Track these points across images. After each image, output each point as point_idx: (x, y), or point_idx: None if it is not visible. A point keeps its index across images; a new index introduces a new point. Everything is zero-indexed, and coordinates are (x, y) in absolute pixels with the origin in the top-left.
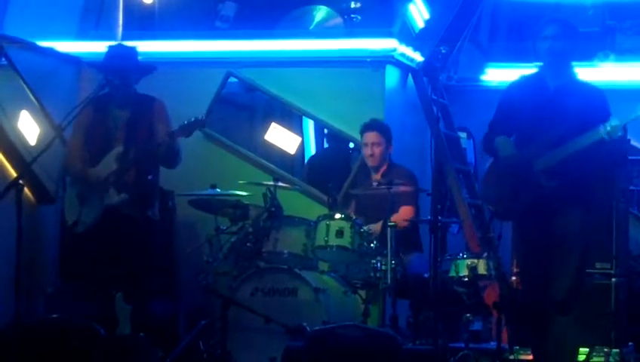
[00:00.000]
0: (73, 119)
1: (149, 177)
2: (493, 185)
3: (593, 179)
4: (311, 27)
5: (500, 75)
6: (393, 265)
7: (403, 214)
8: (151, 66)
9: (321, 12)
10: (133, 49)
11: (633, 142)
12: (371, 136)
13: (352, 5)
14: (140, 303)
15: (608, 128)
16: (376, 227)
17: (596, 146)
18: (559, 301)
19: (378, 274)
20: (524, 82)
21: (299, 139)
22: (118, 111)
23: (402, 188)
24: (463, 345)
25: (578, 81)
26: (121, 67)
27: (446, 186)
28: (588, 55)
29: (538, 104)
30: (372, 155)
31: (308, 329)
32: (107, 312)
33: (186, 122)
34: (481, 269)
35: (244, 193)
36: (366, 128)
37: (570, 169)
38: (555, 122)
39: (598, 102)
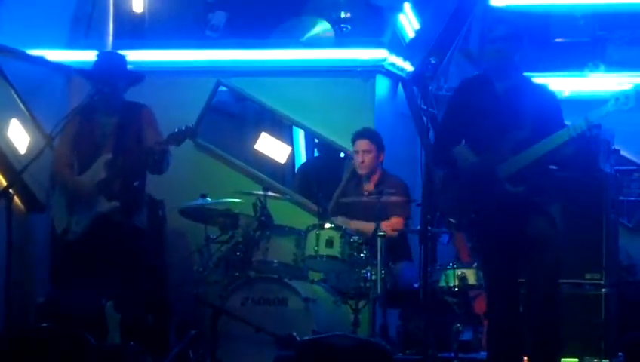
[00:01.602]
0: (63, 128)
1: (135, 184)
2: (455, 195)
3: (560, 182)
4: (303, 39)
5: None
6: (383, 275)
7: (393, 225)
8: (139, 75)
9: (319, 27)
10: (121, 57)
11: (623, 153)
12: (362, 144)
13: (342, 15)
14: (130, 312)
15: (582, 125)
16: (367, 226)
17: (561, 149)
18: (536, 312)
19: (368, 284)
20: (468, 86)
21: (289, 149)
22: (105, 119)
23: (393, 199)
24: (452, 354)
25: (526, 81)
26: (110, 75)
27: (436, 196)
28: (578, 65)
29: (487, 108)
30: (362, 162)
31: (298, 338)
32: (97, 321)
33: (176, 130)
34: (471, 279)
35: (234, 202)
36: (357, 136)
37: (537, 173)
38: (509, 125)
39: (549, 102)
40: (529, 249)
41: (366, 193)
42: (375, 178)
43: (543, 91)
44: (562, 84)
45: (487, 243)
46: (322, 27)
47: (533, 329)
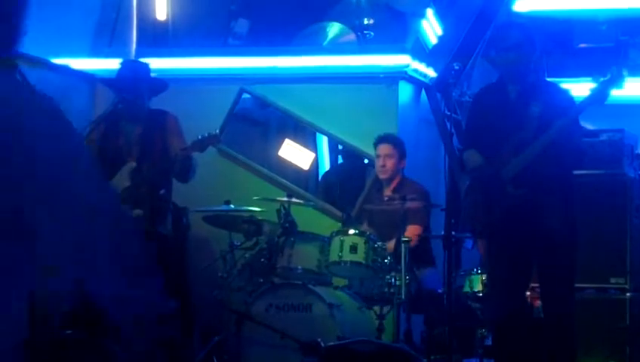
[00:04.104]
0: (87, 136)
1: (162, 192)
2: (469, 202)
3: (557, 181)
4: (324, 43)
5: None
6: (407, 281)
7: (410, 233)
8: (163, 83)
9: (334, 28)
10: (145, 65)
11: None
12: (384, 148)
13: (365, 21)
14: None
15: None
16: (389, 245)
17: (553, 147)
18: (551, 319)
19: (392, 290)
20: (486, 93)
21: (312, 155)
22: (130, 127)
23: (413, 205)
24: (477, 360)
25: (541, 84)
26: (134, 83)
27: (460, 201)
28: (601, 70)
29: (501, 113)
30: (384, 166)
31: (322, 344)
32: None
33: (200, 137)
34: None
35: (258, 209)
36: (379, 140)
37: (540, 175)
38: (515, 128)
39: (562, 103)
40: (540, 253)
41: (385, 198)
42: (394, 183)
43: (557, 93)
44: (585, 89)
45: (494, 248)
46: (340, 29)
47: (547, 335)
